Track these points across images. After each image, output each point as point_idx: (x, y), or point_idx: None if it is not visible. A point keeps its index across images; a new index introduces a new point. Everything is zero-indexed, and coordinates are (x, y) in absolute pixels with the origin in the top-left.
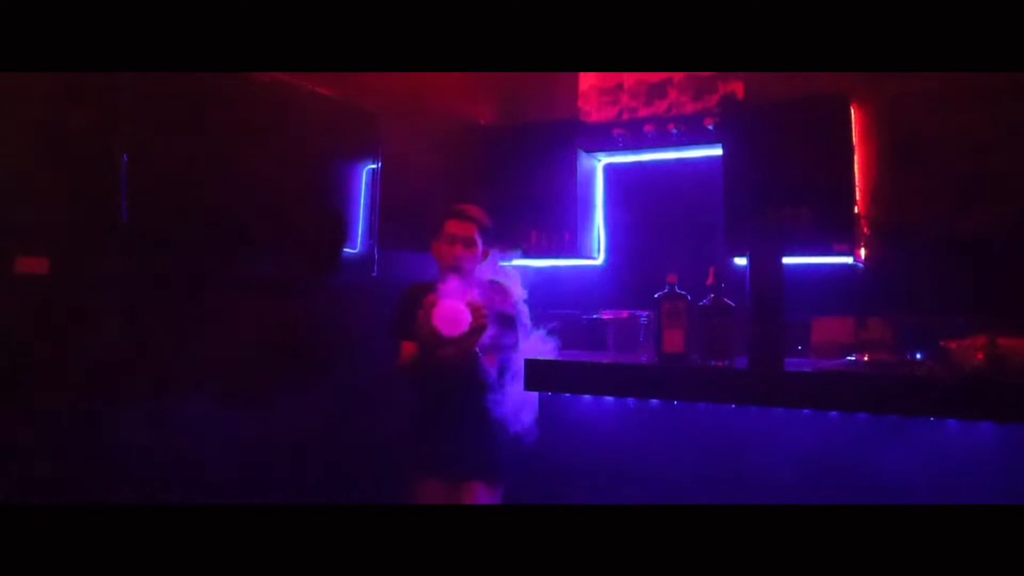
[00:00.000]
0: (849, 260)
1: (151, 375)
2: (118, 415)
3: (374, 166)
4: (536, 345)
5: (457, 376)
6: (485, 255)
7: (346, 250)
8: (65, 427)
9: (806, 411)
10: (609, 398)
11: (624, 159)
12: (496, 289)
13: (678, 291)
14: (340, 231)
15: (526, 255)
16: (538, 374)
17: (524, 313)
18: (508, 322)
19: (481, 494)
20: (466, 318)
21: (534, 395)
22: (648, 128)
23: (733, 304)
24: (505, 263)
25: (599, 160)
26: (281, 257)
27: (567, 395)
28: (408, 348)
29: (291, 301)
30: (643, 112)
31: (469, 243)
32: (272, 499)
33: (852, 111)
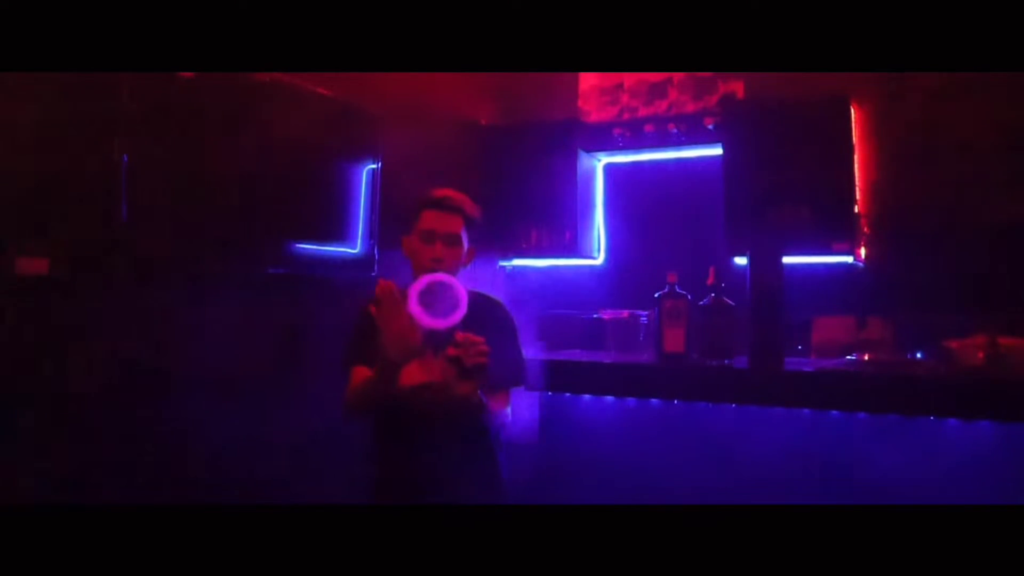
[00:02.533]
0: (849, 259)
1: (151, 375)
2: (118, 415)
3: (374, 166)
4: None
5: (449, 427)
6: (470, 255)
7: (346, 250)
8: (66, 427)
9: (806, 411)
10: (609, 398)
11: (624, 159)
12: (485, 304)
13: (678, 290)
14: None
15: (526, 255)
16: (538, 374)
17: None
18: (509, 347)
19: None
20: (462, 299)
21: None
22: (648, 128)
23: (733, 303)
24: (505, 263)
25: (599, 160)
26: (280, 256)
27: (567, 395)
28: (362, 376)
29: (291, 301)
30: (643, 112)
31: (452, 241)
32: (273, 499)
33: (852, 110)
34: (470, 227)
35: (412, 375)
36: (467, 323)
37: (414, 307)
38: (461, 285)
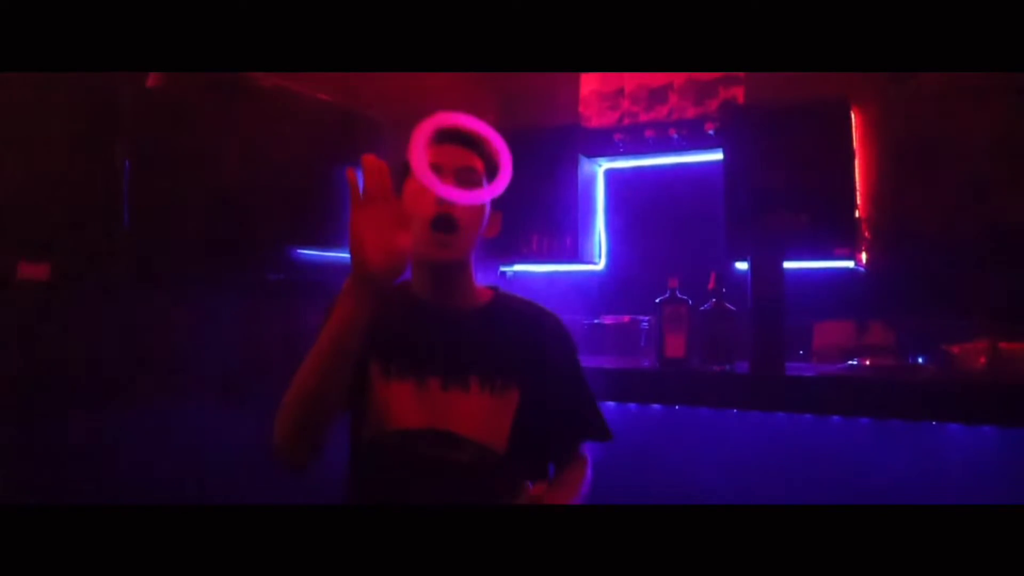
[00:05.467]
0: (850, 264)
1: (153, 380)
2: (119, 420)
3: None
4: None
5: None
6: (497, 221)
7: (347, 256)
8: (66, 431)
9: (808, 416)
10: (610, 403)
11: (625, 164)
12: (535, 319)
13: (679, 296)
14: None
15: (527, 260)
16: None
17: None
18: (579, 389)
19: None
20: (502, 157)
21: None
22: (649, 133)
23: (734, 308)
24: (507, 268)
25: (600, 165)
26: (281, 262)
27: None
28: None
29: (291, 306)
30: (644, 117)
31: (469, 178)
32: (274, 501)
33: (852, 115)
34: (492, 173)
35: (407, 413)
36: (513, 346)
37: (418, 162)
38: (499, 137)
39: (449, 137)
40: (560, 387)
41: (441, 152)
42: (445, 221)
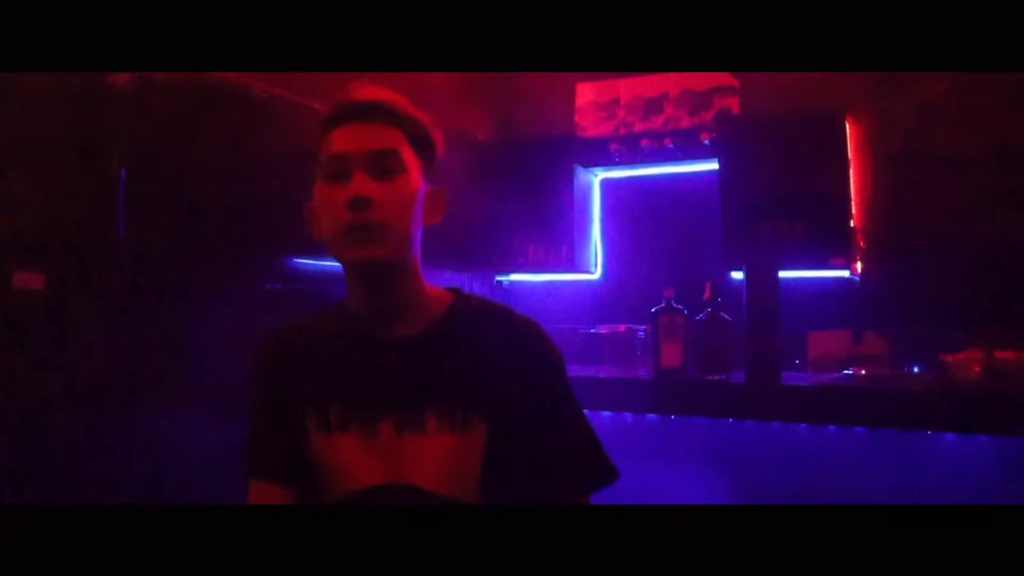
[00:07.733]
0: (845, 274)
1: (149, 389)
2: (115, 428)
3: None
4: None
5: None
6: (436, 201)
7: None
8: (64, 437)
9: (803, 425)
10: (606, 413)
11: (621, 174)
12: (516, 334)
13: (675, 305)
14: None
15: (523, 270)
16: None
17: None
18: (572, 417)
19: None
20: None
21: None
22: (645, 143)
23: (730, 318)
24: (503, 278)
25: (596, 175)
26: (277, 271)
27: None
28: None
29: (288, 316)
30: (640, 127)
31: (383, 165)
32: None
33: (847, 125)
34: (420, 148)
35: (359, 471)
36: (475, 367)
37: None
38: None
39: (357, 113)
40: (540, 412)
41: (347, 135)
42: (362, 229)
